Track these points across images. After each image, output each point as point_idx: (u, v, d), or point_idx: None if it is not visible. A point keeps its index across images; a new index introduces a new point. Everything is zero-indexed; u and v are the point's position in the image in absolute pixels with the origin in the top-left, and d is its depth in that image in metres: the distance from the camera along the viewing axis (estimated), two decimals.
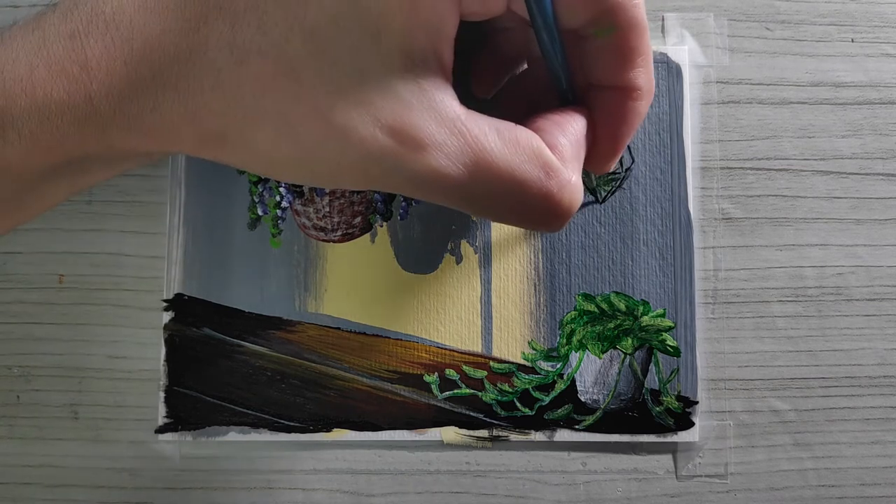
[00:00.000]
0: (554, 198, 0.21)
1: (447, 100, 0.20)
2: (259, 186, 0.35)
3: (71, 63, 0.18)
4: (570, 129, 0.22)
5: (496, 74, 0.26)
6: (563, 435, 0.34)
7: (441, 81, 0.20)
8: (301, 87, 0.18)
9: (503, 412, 0.34)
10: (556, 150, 0.21)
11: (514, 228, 0.35)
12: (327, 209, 0.35)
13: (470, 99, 0.21)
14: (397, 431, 0.34)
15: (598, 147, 0.24)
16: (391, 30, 0.18)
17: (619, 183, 0.35)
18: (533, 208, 0.21)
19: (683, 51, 0.36)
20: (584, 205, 0.35)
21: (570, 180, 0.21)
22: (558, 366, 0.34)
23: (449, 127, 0.19)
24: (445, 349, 0.35)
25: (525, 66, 0.27)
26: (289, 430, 0.34)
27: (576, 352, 0.34)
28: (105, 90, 0.18)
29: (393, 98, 0.19)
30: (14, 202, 0.21)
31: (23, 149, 0.19)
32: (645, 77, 0.23)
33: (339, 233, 0.35)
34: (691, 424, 0.34)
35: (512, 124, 0.21)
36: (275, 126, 0.19)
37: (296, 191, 0.35)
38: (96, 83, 0.18)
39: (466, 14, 0.20)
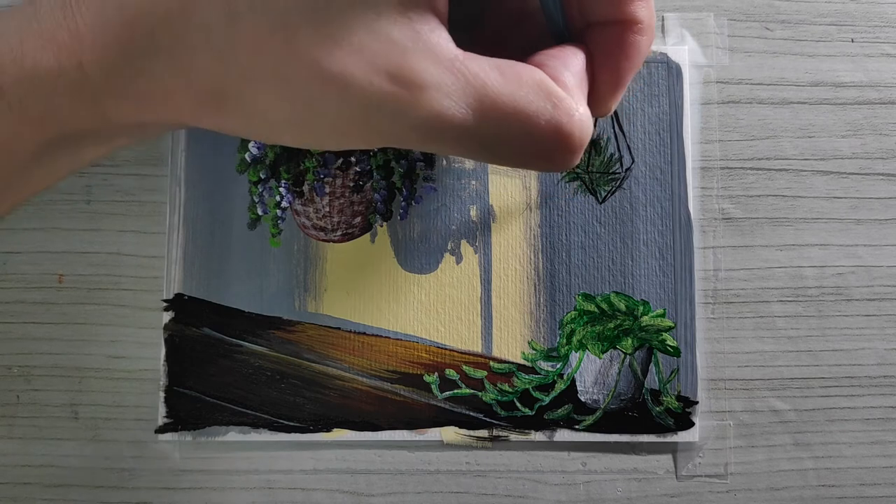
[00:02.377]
0: (564, 129, 0.20)
1: (443, 41, 0.19)
2: (259, 186, 0.35)
3: (62, 33, 0.18)
4: (571, 63, 0.22)
5: (494, 36, 0.26)
6: (563, 435, 0.34)
7: (435, 23, 0.19)
8: (295, 41, 0.18)
9: (503, 412, 0.34)
10: (559, 81, 0.21)
11: (515, 228, 0.35)
12: (327, 209, 0.35)
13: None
14: (397, 431, 0.34)
15: (599, 85, 0.23)
16: None
17: (619, 183, 0.35)
18: (543, 143, 0.20)
19: (683, 51, 0.36)
20: (583, 205, 0.35)
21: (579, 110, 0.21)
22: (558, 366, 0.34)
23: (448, 67, 0.19)
24: (445, 349, 0.35)
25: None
26: (289, 430, 0.34)
27: (576, 352, 0.34)
28: (97, 57, 0.18)
29: (388, 43, 0.18)
30: (7, 180, 0.21)
31: (14, 120, 0.19)
32: (646, 10, 0.22)
33: (339, 233, 0.35)
34: (691, 424, 0.34)
35: (512, 61, 0.20)
36: (271, 84, 0.19)
37: (296, 191, 0.35)
38: (88, 51, 0.18)
39: None
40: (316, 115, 0.19)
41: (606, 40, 0.23)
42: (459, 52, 0.20)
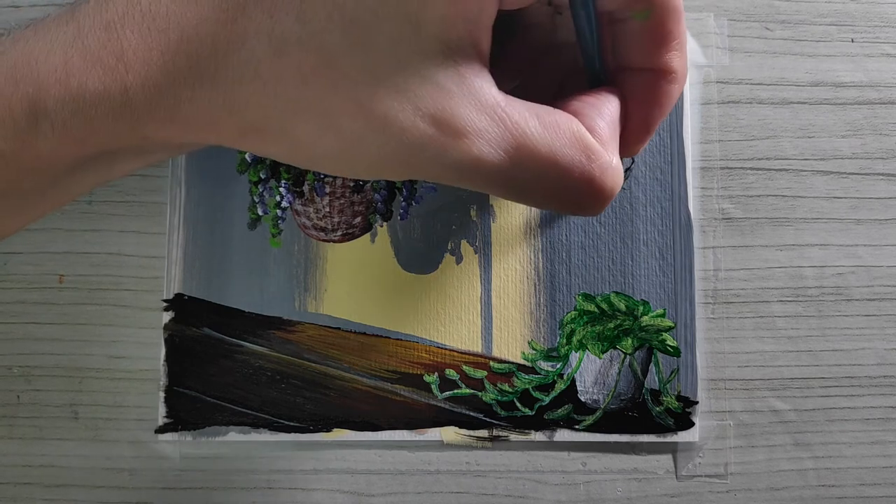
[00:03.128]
0: (596, 182, 0.21)
1: (486, 87, 0.20)
2: (259, 186, 0.35)
3: (107, 54, 0.18)
4: (606, 111, 0.22)
5: (521, 65, 0.26)
6: (563, 435, 0.34)
7: (480, 69, 0.20)
8: (341, 77, 0.18)
9: (503, 412, 0.34)
10: (594, 132, 0.21)
11: (515, 228, 0.35)
12: (327, 209, 0.35)
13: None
14: (397, 431, 0.34)
15: (628, 129, 0.23)
16: (431, 19, 0.18)
17: None
18: (575, 193, 0.21)
19: None
20: None
21: (612, 163, 0.21)
22: (558, 366, 0.34)
23: (489, 114, 0.19)
24: (445, 349, 0.35)
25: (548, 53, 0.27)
26: (289, 430, 0.34)
27: (576, 352, 0.34)
28: (141, 81, 0.18)
29: (433, 87, 0.19)
30: (41, 194, 0.21)
31: (55, 140, 0.19)
32: (679, 60, 0.23)
33: (339, 233, 0.35)
34: (691, 424, 0.34)
35: (551, 108, 0.21)
36: (315, 118, 0.19)
37: (296, 191, 0.35)
38: (132, 74, 0.18)
39: (504, 2, 0.20)
40: (356, 150, 0.19)
41: (640, 87, 0.23)
42: (501, 97, 0.20)
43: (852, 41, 0.36)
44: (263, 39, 0.18)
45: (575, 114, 0.21)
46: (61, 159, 0.20)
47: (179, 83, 0.18)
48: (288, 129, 0.19)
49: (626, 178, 0.35)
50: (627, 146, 0.24)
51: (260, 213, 0.35)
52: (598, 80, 0.24)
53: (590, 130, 0.21)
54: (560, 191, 0.21)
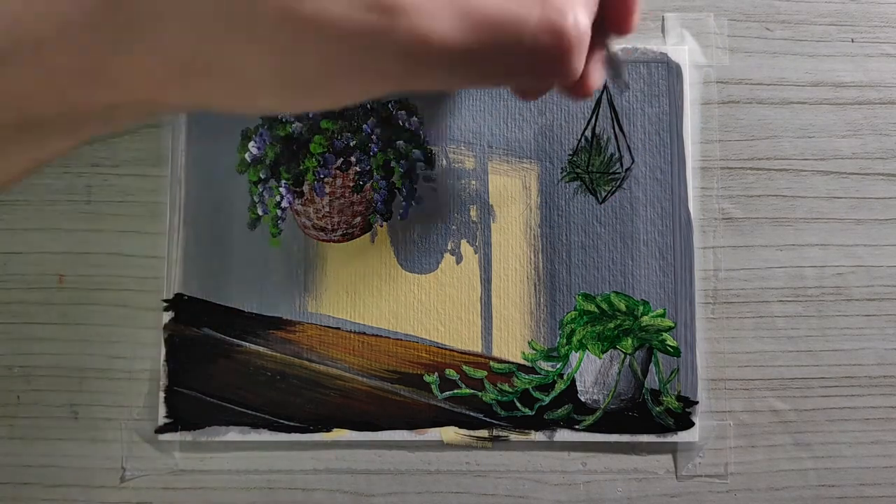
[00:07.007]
0: (556, 25, 0.19)
1: None
2: (259, 186, 0.35)
3: (18, 5, 0.17)
4: None
5: None
6: (563, 435, 0.34)
7: None
8: None
9: (503, 412, 0.34)
10: None
11: (515, 228, 0.35)
12: (327, 209, 0.35)
13: None
14: (397, 431, 0.34)
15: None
16: None
17: (619, 183, 0.35)
18: (535, 44, 0.19)
19: (683, 51, 0.36)
20: (583, 205, 0.35)
21: (574, 9, 0.20)
22: (558, 366, 0.34)
23: None
24: (445, 349, 0.35)
25: None
26: (289, 430, 0.34)
27: (576, 352, 0.34)
28: (56, 33, 0.17)
29: None
30: None
31: None
32: None
33: (339, 233, 0.35)
34: (691, 424, 0.34)
35: None
36: (245, 39, 0.18)
37: (296, 191, 0.35)
38: (46, 27, 0.17)
39: None
40: (294, 64, 0.18)
41: None
42: None
43: (852, 41, 0.36)
44: None
45: None
46: None
47: (97, 32, 0.17)
48: (217, 57, 0.18)
49: (626, 178, 0.35)
50: (619, 20, 0.23)
51: (260, 213, 0.35)
52: None
53: None
54: (519, 49, 0.19)
